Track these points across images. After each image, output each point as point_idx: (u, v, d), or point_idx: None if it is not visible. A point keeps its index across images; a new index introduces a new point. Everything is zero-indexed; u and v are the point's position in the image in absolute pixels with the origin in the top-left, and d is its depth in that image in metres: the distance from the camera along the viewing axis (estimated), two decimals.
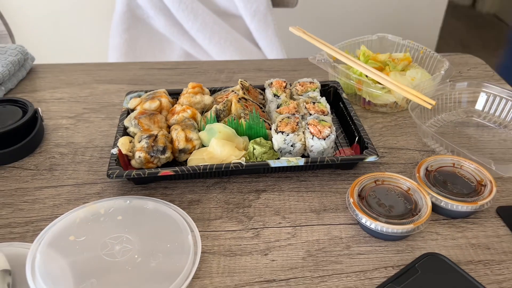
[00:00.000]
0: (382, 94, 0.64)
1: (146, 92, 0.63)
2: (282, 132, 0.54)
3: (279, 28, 1.26)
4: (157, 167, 0.53)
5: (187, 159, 0.55)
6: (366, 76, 0.65)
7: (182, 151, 0.55)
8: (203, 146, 0.56)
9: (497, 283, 0.42)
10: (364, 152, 0.54)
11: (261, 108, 0.62)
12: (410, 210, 0.47)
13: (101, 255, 0.43)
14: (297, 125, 0.55)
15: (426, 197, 0.47)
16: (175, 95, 0.64)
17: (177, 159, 0.56)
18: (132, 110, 0.61)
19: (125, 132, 0.57)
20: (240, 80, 0.62)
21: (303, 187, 0.53)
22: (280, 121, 0.56)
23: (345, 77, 0.66)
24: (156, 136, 0.54)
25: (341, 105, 0.63)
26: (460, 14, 3.47)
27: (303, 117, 0.58)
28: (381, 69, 0.69)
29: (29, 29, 1.43)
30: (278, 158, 0.54)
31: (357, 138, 0.57)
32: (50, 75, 0.76)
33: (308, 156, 0.56)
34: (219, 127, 0.56)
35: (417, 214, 0.46)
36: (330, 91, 0.66)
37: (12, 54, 0.71)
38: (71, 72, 0.76)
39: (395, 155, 0.58)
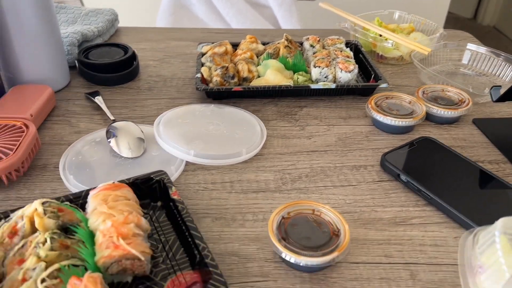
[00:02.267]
0: (392, 48, 0.85)
1: (213, 43, 0.84)
2: (319, 67, 0.75)
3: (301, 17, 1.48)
4: None
5: None
6: (380, 35, 0.86)
7: (245, 79, 0.76)
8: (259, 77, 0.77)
9: (467, 157, 0.62)
10: (378, 82, 0.74)
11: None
12: (411, 112, 0.67)
13: (201, 129, 0.63)
14: (329, 62, 0.76)
15: (422, 106, 0.68)
16: (234, 46, 0.84)
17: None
18: (205, 53, 0.82)
19: (202, 66, 0.78)
20: (285, 34, 0.83)
21: (333, 105, 0.74)
22: (317, 60, 0.77)
23: (364, 36, 0.86)
24: (227, 67, 0.75)
25: (361, 56, 0.84)
26: (461, 25, 3.71)
27: (333, 59, 0.78)
28: None
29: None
30: None
31: (373, 75, 0.78)
32: (132, 34, 0.97)
33: None
34: (272, 62, 0.76)
35: (415, 114, 0.66)
36: (352, 47, 0.87)
37: (107, 15, 0.92)
38: (147, 33, 0.98)
39: (401, 89, 0.79)
